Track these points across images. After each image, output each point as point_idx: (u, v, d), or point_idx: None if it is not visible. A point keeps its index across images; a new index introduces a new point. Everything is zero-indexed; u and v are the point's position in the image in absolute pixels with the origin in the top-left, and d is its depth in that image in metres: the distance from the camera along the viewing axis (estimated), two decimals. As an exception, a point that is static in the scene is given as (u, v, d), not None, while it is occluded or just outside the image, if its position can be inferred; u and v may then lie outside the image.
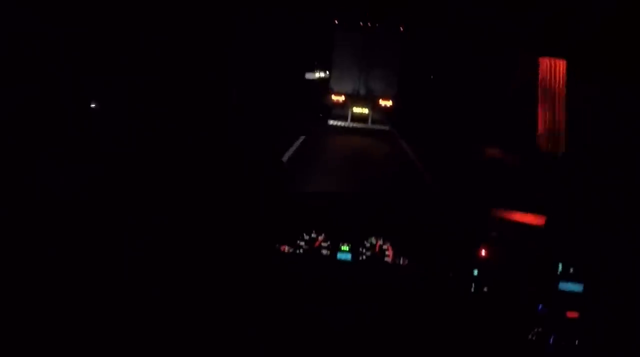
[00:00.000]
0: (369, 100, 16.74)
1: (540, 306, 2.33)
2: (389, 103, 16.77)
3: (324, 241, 2.43)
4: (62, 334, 1.95)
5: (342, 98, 16.82)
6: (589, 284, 2.36)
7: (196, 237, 2.27)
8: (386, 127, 16.67)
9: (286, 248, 2.43)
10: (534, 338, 2.29)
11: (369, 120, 16.78)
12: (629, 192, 2.83)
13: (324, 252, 2.43)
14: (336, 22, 16.63)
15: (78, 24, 2.35)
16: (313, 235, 2.43)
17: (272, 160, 2.70)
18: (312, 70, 19.62)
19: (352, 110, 16.81)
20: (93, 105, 2.74)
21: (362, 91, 16.76)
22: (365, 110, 16.80)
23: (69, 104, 2.40)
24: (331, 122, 16.82)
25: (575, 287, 2.36)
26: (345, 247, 2.43)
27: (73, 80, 2.40)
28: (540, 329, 2.29)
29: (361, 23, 16.59)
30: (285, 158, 9.22)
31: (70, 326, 1.97)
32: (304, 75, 17.59)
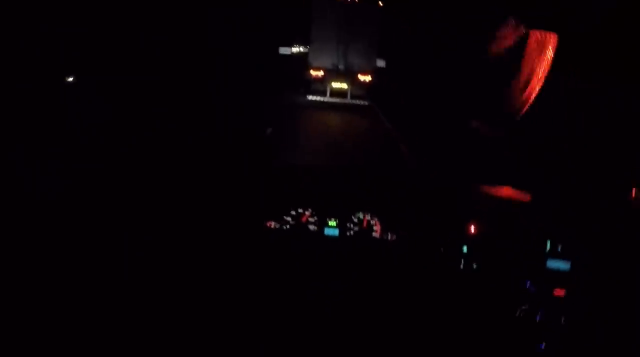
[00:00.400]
0: (348, 75, 16.64)
1: (528, 283, 2.31)
2: (368, 78, 16.70)
3: (311, 216, 2.35)
4: (63, 334, 1.89)
5: (320, 73, 16.68)
6: (576, 262, 2.34)
7: (183, 215, 2.18)
8: (365, 102, 16.60)
9: (272, 224, 2.34)
10: (521, 315, 2.27)
11: (348, 95, 16.72)
12: (616, 170, 2.80)
13: (312, 227, 2.36)
14: None
15: (67, 23, 2.21)
16: (300, 210, 2.35)
17: (255, 135, 2.59)
18: (289, 45, 19.26)
19: (331, 85, 16.73)
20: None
21: (341, 66, 16.64)
22: (344, 85, 16.73)
23: (62, 104, 2.29)
24: (310, 97, 16.71)
25: (563, 265, 2.35)
26: (332, 223, 2.36)
27: (64, 81, 2.28)
28: (527, 307, 2.27)
29: None
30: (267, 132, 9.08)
31: (70, 325, 1.91)
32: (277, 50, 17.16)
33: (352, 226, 2.37)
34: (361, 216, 2.37)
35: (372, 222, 2.37)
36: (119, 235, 2.08)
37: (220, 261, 2.18)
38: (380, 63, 17.19)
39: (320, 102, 16.46)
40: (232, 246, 2.23)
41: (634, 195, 2.48)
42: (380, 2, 16.40)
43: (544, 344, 2.25)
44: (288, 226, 2.35)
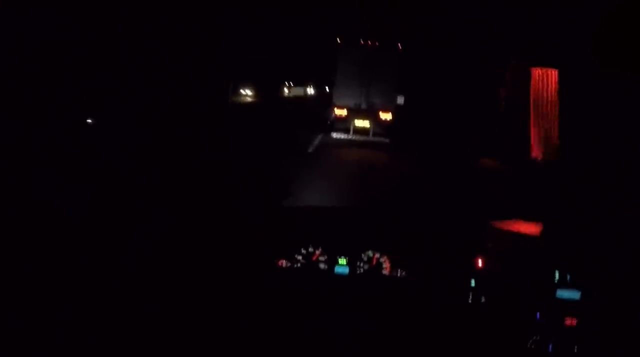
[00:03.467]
0: (370, 113, 16.85)
1: (538, 314, 2.24)
2: (389, 116, 16.88)
3: (321, 255, 2.35)
4: (63, 336, 1.89)
5: (344, 112, 16.94)
6: (586, 291, 2.27)
7: (194, 252, 2.19)
8: (387, 140, 16.68)
9: (284, 263, 2.34)
10: (533, 346, 2.20)
11: (370, 133, 16.86)
12: (624, 199, 2.73)
13: (322, 266, 2.35)
14: (338, 40, 16.81)
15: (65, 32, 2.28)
16: (310, 249, 2.35)
17: (269, 175, 2.62)
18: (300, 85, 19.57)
19: (354, 124, 16.91)
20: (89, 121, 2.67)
21: (364, 105, 16.89)
22: (367, 123, 16.91)
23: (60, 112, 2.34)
24: (334, 135, 16.89)
25: (573, 294, 2.28)
26: (342, 261, 2.34)
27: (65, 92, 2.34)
28: (538, 337, 2.20)
29: (362, 41, 16.79)
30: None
31: (71, 332, 1.91)
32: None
33: (361, 264, 2.35)
34: (370, 254, 2.35)
35: (382, 260, 2.35)
36: (125, 271, 2.09)
37: (231, 300, 2.17)
38: (400, 100, 17.36)
39: (344, 139, 16.62)
40: (243, 284, 2.23)
41: None
42: (399, 46, 16.72)
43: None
44: (299, 265, 2.35)
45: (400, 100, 17.03)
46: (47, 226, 2.06)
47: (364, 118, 16.96)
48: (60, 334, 1.88)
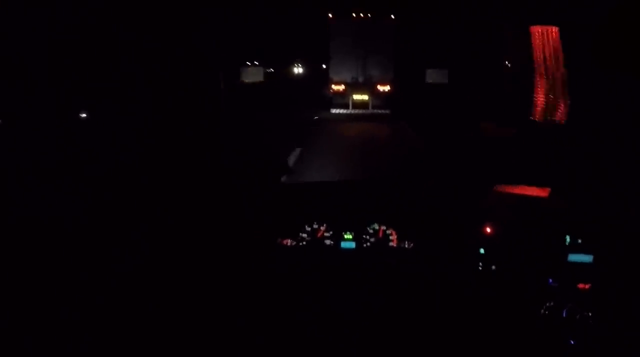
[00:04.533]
0: (368, 86, 16.72)
1: (550, 280, 2.18)
2: (387, 88, 16.76)
3: (327, 231, 2.29)
4: (62, 335, 1.86)
5: (342, 87, 16.83)
6: (598, 254, 2.20)
7: (198, 234, 2.15)
8: (387, 111, 16.59)
9: (289, 242, 2.29)
10: (547, 312, 2.15)
11: (370, 106, 16.77)
12: (632, 160, 2.65)
13: (327, 242, 2.29)
14: (330, 15, 16.60)
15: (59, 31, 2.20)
16: (315, 226, 2.29)
17: (269, 155, 2.56)
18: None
19: (352, 98, 16.81)
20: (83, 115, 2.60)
21: (361, 79, 16.77)
22: (365, 97, 16.83)
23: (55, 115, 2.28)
24: (333, 110, 16.81)
25: (585, 258, 2.21)
26: (348, 236, 2.29)
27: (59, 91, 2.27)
28: (552, 303, 2.15)
29: (354, 14, 16.58)
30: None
31: (70, 328, 1.88)
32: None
33: (368, 237, 2.29)
34: (376, 227, 2.29)
35: (388, 232, 2.29)
36: (127, 247, 2.05)
37: (235, 280, 2.13)
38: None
39: (344, 114, 16.53)
40: (249, 266, 2.19)
41: None
42: (392, 16, 16.47)
43: (573, 339, 2.12)
44: (304, 243, 2.29)
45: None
46: (42, 226, 2.02)
47: (362, 92, 16.89)
48: (57, 332, 1.85)
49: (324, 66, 18.95)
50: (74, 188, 2.24)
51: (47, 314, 1.87)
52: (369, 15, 16.55)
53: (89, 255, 2.03)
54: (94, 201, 2.23)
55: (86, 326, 1.88)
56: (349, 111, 16.69)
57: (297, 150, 9.35)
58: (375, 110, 16.62)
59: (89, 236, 2.08)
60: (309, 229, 2.29)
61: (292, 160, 8.20)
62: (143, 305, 2.00)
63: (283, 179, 2.48)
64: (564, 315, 2.13)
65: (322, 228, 2.29)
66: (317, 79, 19.07)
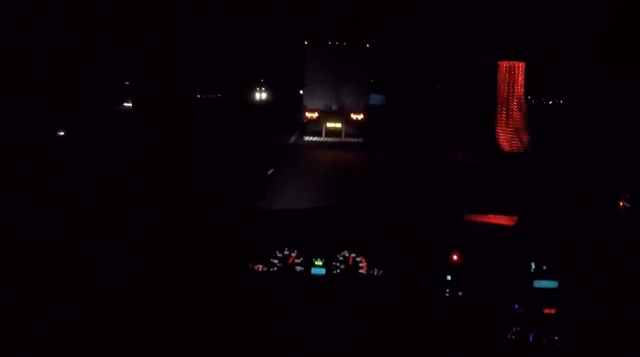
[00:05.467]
0: (342, 114, 16.81)
1: (516, 305, 2.23)
2: (360, 116, 16.87)
3: (297, 257, 2.29)
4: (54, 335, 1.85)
5: (315, 114, 16.87)
6: (563, 279, 2.26)
7: (168, 257, 2.12)
8: (359, 140, 16.69)
9: (260, 267, 2.28)
10: (513, 337, 2.18)
11: (343, 134, 16.84)
12: (595, 187, 2.76)
13: (298, 268, 2.29)
14: (306, 42, 16.74)
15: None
16: (286, 252, 2.29)
17: (242, 179, 2.55)
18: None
19: (326, 126, 16.86)
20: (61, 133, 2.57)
21: (334, 106, 16.84)
22: (339, 125, 16.89)
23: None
24: (307, 138, 16.84)
25: (550, 284, 2.27)
26: (319, 262, 2.29)
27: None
28: (518, 328, 2.18)
29: (329, 42, 16.75)
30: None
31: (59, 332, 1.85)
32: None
33: (338, 264, 2.31)
34: (346, 254, 2.31)
35: (358, 259, 2.31)
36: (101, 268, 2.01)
37: (206, 305, 2.10)
38: (372, 99, 17.36)
39: (317, 142, 16.58)
40: (219, 289, 2.16)
41: (620, 206, 2.44)
42: (367, 45, 16.73)
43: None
44: (275, 268, 2.29)
45: (373, 99, 17.03)
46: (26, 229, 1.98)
47: (335, 120, 16.93)
48: (41, 334, 1.81)
49: (301, 92, 19.10)
50: (45, 201, 2.19)
51: (30, 318, 1.82)
52: (344, 42, 16.75)
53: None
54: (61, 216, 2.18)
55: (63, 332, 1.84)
56: (322, 139, 16.73)
57: (270, 171, 9.36)
58: (348, 139, 16.70)
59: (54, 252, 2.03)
60: (280, 255, 2.29)
61: (263, 180, 8.21)
62: (114, 332, 1.95)
63: (255, 204, 2.47)
64: (531, 339, 2.17)
65: (293, 254, 2.30)
66: (291, 106, 19.18)
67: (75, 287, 1.98)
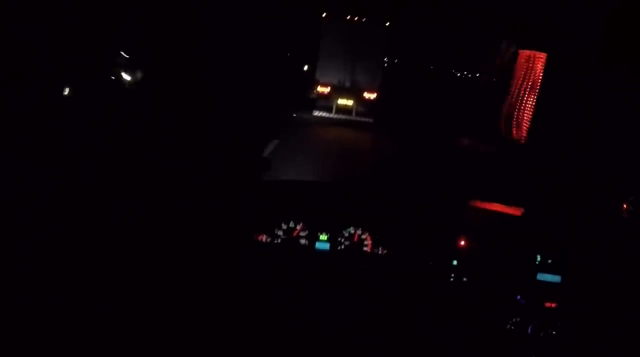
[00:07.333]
0: (354, 92, 16.57)
1: (519, 297, 2.23)
2: (373, 95, 16.61)
3: (302, 230, 2.28)
4: (49, 333, 1.82)
5: (327, 89, 16.61)
6: (566, 275, 2.26)
7: (174, 228, 2.11)
8: (370, 119, 16.50)
9: (264, 238, 2.28)
10: (512, 328, 2.19)
11: (354, 112, 16.63)
12: (606, 184, 2.72)
13: (302, 241, 2.29)
14: (323, 15, 16.41)
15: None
16: (291, 224, 2.28)
17: (251, 150, 2.53)
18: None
19: (337, 102, 16.64)
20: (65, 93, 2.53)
21: (347, 83, 16.58)
22: (350, 102, 16.64)
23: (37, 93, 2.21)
24: (316, 113, 16.63)
25: (553, 278, 2.27)
26: (323, 237, 2.29)
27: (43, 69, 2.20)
28: (518, 319, 2.19)
29: (348, 17, 16.41)
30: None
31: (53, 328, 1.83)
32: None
33: (343, 240, 2.30)
34: (352, 230, 2.30)
35: (363, 236, 2.30)
36: (106, 242, 2.00)
37: (210, 273, 2.11)
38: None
39: (326, 117, 16.40)
40: (222, 258, 2.17)
41: (625, 208, 2.42)
42: (387, 23, 16.37)
43: (535, 356, 2.17)
44: (279, 240, 2.29)
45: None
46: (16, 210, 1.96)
47: (347, 97, 16.65)
48: (34, 331, 1.81)
49: (305, 68, 18.77)
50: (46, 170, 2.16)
51: (22, 314, 1.82)
52: (363, 19, 16.41)
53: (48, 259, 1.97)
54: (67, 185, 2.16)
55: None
56: (331, 115, 16.56)
57: (275, 142, 9.31)
58: (359, 118, 16.51)
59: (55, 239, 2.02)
60: (284, 227, 2.29)
61: (269, 150, 8.16)
62: (117, 303, 1.95)
63: (263, 174, 2.45)
64: (529, 331, 2.18)
65: (298, 227, 2.29)
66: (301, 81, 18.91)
67: (82, 248, 1.97)
